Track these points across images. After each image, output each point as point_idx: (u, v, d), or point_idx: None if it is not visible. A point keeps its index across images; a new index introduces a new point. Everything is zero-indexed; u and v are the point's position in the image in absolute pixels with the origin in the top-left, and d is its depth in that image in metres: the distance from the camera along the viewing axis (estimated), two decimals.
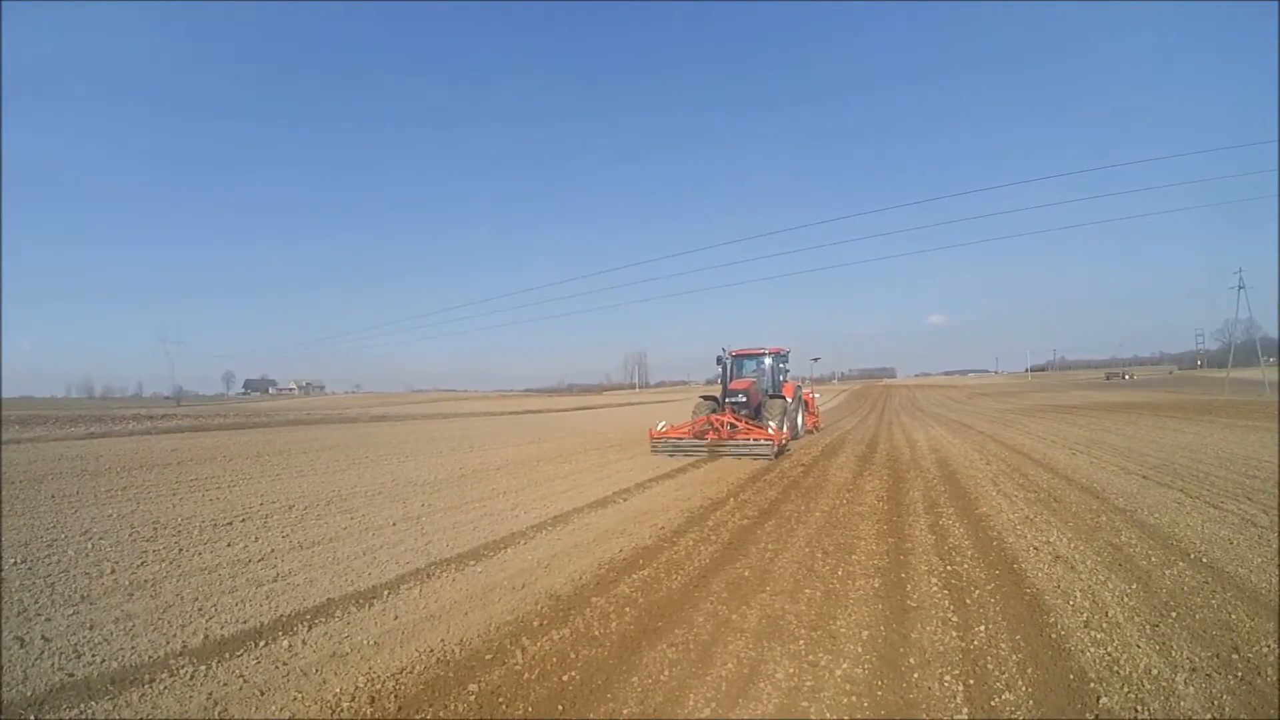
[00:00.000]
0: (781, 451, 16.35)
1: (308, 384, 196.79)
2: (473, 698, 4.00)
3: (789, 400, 20.29)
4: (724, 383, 20.47)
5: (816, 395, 29.12)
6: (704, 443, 16.52)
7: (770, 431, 16.27)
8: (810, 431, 24.19)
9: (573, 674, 4.30)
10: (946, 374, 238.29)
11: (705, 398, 20.35)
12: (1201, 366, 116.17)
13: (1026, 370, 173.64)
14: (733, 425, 17.01)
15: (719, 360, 21.12)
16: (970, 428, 24.92)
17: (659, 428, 17.89)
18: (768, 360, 21.72)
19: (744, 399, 18.42)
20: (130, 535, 8.02)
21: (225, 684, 4.21)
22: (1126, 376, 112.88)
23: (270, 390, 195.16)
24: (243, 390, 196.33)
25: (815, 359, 32.14)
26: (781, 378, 22.11)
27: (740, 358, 22.03)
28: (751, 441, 15.92)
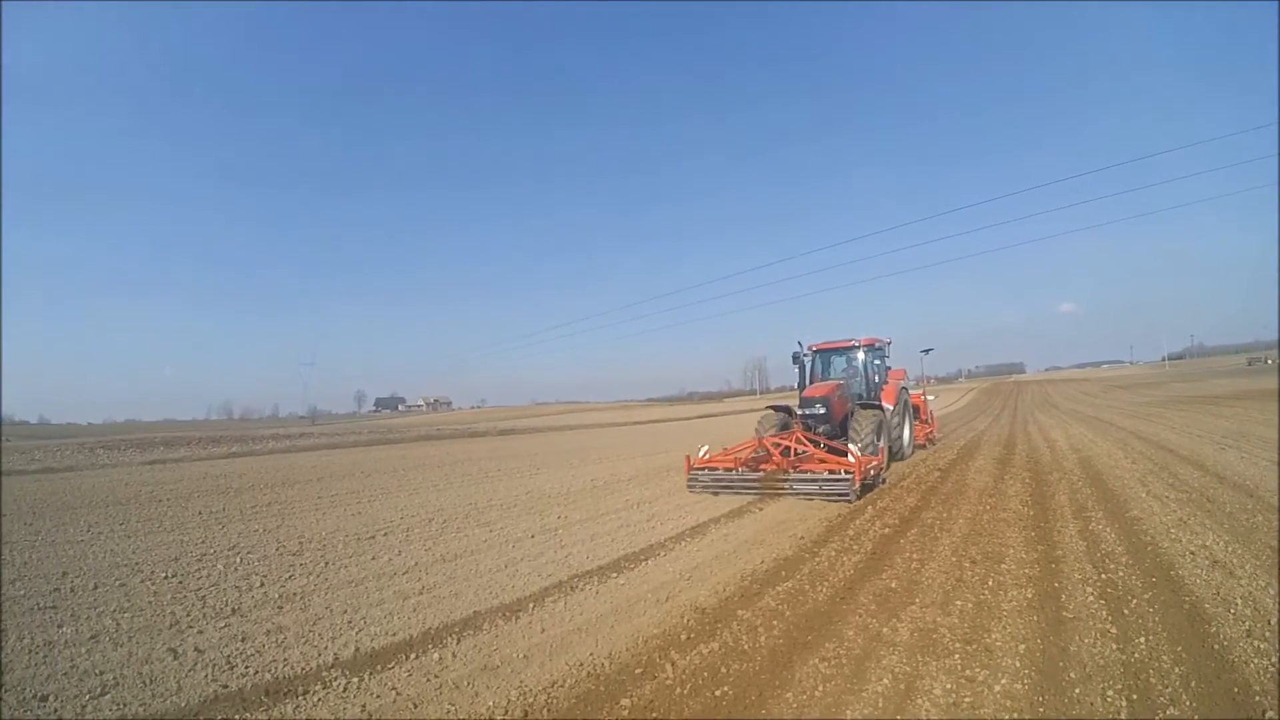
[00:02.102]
0: (871, 485, 11.90)
1: (435, 400, 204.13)
2: (625, 712, 3.97)
3: (889, 408, 15.38)
4: (801, 388, 15.91)
5: (930, 398, 22.51)
6: (755, 476, 11.91)
7: (851, 459, 11.22)
8: (921, 446, 19.00)
9: (725, 689, 4.23)
10: (1079, 366, 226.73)
11: (775, 408, 15.37)
12: None
13: (1163, 359, 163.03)
14: (796, 451, 12.18)
15: (795, 358, 16.69)
16: (1110, 424, 23.76)
17: (701, 454, 13.20)
18: (860, 355, 16.54)
19: (822, 409, 13.69)
20: (277, 549, 8.40)
21: (378, 696, 4.29)
22: (1270, 361, 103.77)
23: (399, 407, 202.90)
24: (374, 408, 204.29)
25: (926, 351, 23.61)
26: (879, 377, 16.86)
27: (825, 353, 17.16)
28: (824, 475, 11.18)
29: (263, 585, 6.85)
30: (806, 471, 11.57)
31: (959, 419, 34.54)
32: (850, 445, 12.02)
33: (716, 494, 11.96)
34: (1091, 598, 5.62)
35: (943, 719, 3.79)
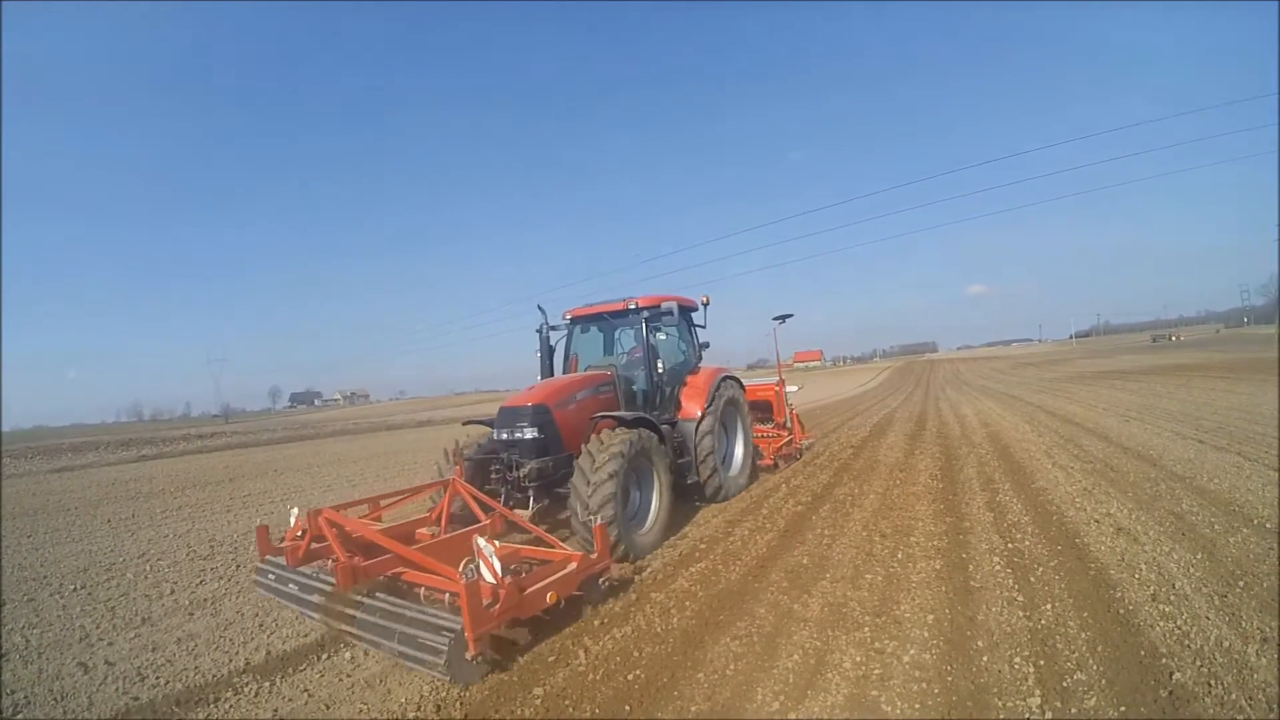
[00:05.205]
0: (593, 599, 5.41)
1: (352, 394, 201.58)
2: (538, 701, 3.95)
3: (699, 414, 9.07)
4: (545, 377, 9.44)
5: (792, 389, 13.96)
6: (321, 587, 5.16)
7: (482, 571, 4.35)
8: (771, 468, 11.71)
9: (637, 673, 4.23)
10: (989, 345, 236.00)
11: (482, 424, 8.78)
12: (1249, 323, 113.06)
13: (1071, 337, 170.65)
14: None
15: (539, 333, 9.64)
16: (1018, 399, 24.44)
17: (293, 521, 6.12)
18: (644, 328, 8.99)
19: (533, 433, 7.38)
20: (187, 554, 8.20)
21: (290, 699, 4.23)
22: (1173, 338, 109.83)
23: (315, 402, 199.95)
24: (289, 404, 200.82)
25: (781, 318, 13.76)
26: (665, 365, 9.16)
27: (589, 324, 10.02)
28: (407, 617, 4.35)
29: (173, 592, 6.70)
30: (394, 600, 4.80)
31: (873, 397, 35.35)
32: (483, 545, 4.50)
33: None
34: (998, 567, 5.75)
35: (852, 694, 3.81)
